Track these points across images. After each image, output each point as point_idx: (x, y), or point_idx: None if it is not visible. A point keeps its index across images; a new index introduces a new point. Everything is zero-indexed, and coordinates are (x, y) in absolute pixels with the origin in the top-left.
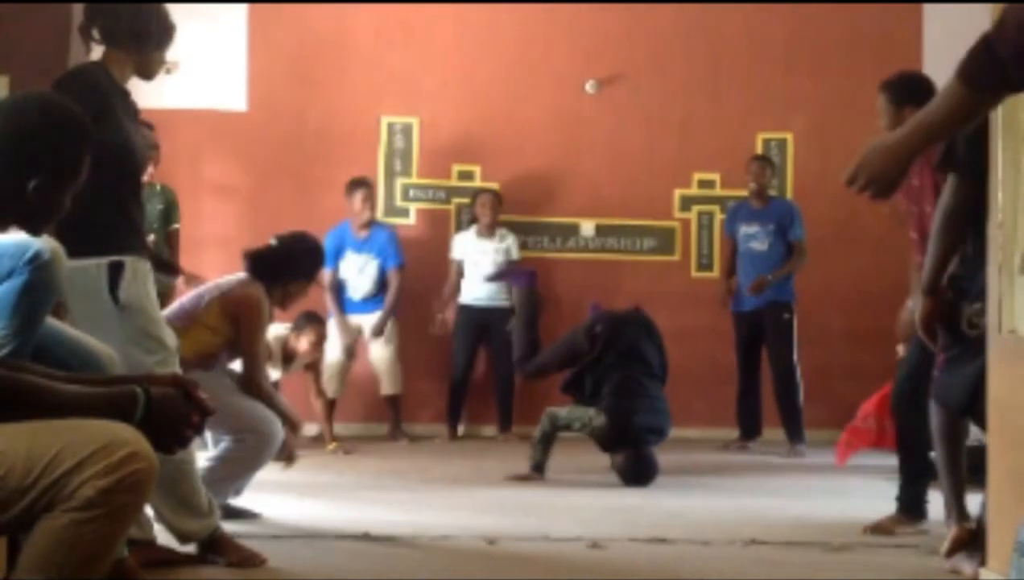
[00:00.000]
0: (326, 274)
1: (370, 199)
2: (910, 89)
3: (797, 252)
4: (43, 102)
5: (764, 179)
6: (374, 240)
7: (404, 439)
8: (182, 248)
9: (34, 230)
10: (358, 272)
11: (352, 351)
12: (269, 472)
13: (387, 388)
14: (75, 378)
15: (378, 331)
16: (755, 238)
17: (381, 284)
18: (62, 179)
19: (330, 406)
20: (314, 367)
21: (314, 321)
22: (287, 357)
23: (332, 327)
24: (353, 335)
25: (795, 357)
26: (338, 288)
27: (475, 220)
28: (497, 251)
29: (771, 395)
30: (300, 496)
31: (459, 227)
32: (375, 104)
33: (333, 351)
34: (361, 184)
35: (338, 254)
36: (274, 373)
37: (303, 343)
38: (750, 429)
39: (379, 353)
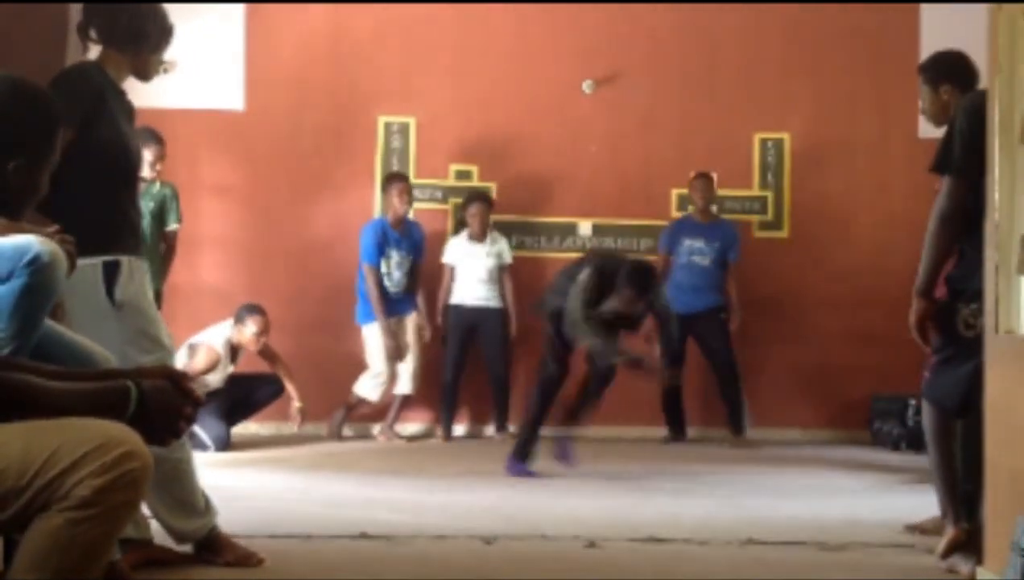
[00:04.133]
0: (371, 273)
1: (407, 192)
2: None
3: (735, 274)
4: (11, 84)
5: (711, 195)
6: (411, 235)
7: (396, 439)
8: (179, 247)
9: (15, 213)
10: (396, 267)
11: (397, 352)
12: (266, 471)
13: (407, 387)
14: (67, 373)
15: (421, 327)
16: (700, 253)
17: (412, 279)
18: (39, 158)
19: (355, 407)
20: (267, 352)
21: (254, 311)
22: (234, 350)
23: (374, 331)
24: (398, 338)
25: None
26: (382, 286)
27: (465, 225)
28: (489, 254)
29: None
30: (297, 495)
31: (457, 227)
32: (372, 104)
33: (378, 358)
34: (399, 178)
35: (380, 251)
36: (228, 367)
37: (247, 334)
38: (682, 424)
39: (412, 352)
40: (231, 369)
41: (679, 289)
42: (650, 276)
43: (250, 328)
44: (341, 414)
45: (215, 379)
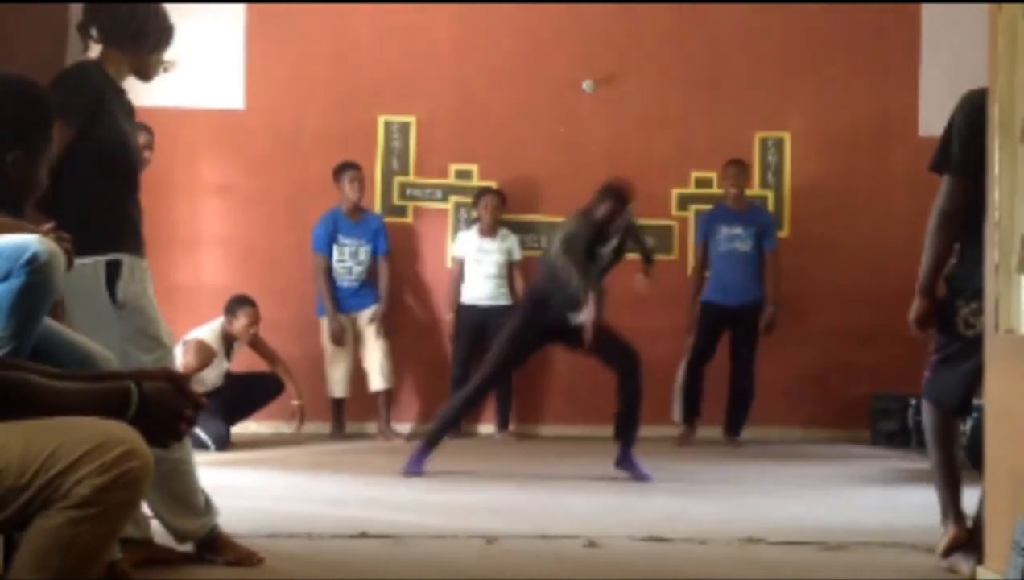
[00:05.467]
0: (320, 260)
1: (358, 180)
2: None
3: (777, 263)
4: (2, 78)
5: (743, 182)
6: (366, 225)
7: (396, 439)
8: (180, 247)
9: (17, 207)
10: (351, 256)
11: (341, 341)
12: (267, 471)
13: (379, 383)
14: (68, 375)
15: (375, 325)
16: (740, 239)
17: (370, 271)
18: (37, 150)
19: (339, 404)
20: (264, 350)
21: (244, 302)
22: (228, 344)
23: (324, 323)
24: (342, 327)
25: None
26: (330, 276)
27: (477, 219)
28: (499, 251)
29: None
30: (297, 495)
31: (457, 226)
32: (372, 103)
33: (335, 350)
34: (348, 167)
35: (331, 239)
36: (224, 363)
37: (238, 325)
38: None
39: (372, 347)
40: (227, 364)
41: (720, 281)
42: (626, 186)
43: (240, 320)
44: (333, 414)
45: (212, 376)
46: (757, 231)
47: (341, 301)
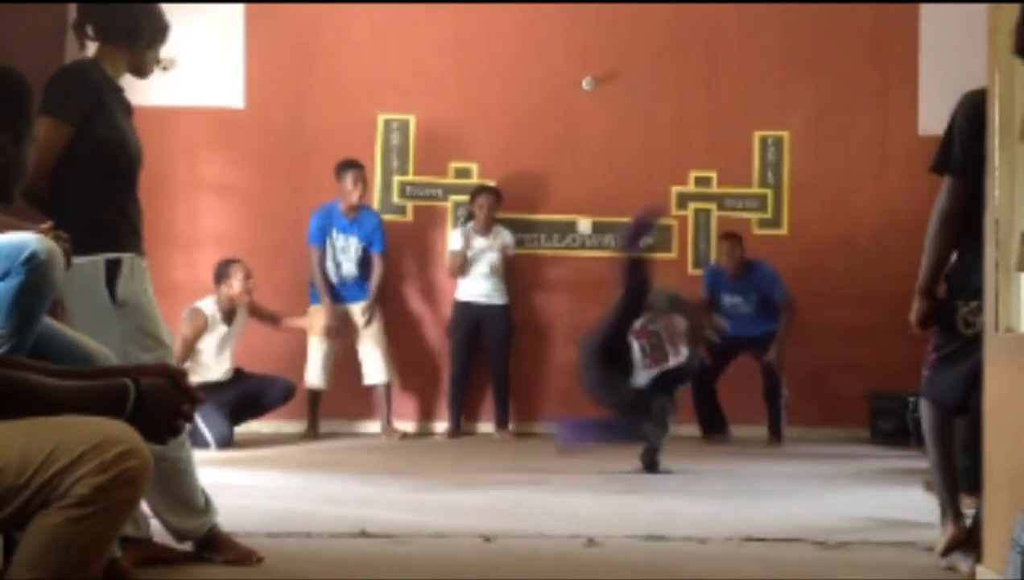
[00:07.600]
0: (314, 252)
1: (361, 180)
2: None
3: (789, 308)
4: None
5: (736, 256)
6: (362, 223)
7: (396, 435)
8: (180, 246)
9: (6, 193)
10: (341, 252)
11: (335, 333)
12: (266, 470)
13: (378, 377)
14: (66, 371)
15: (368, 320)
16: (741, 306)
17: (363, 268)
18: (20, 133)
19: (315, 398)
20: (264, 313)
21: (232, 262)
22: (229, 311)
23: (316, 312)
24: (338, 318)
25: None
26: (323, 268)
27: (471, 217)
28: (492, 249)
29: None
30: (296, 494)
31: (456, 225)
32: (372, 101)
33: (317, 340)
34: (351, 165)
35: (325, 233)
36: (223, 328)
37: (235, 286)
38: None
39: (368, 341)
40: (225, 329)
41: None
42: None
43: (235, 279)
44: (309, 410)
45: (212, 344)
46: (758, 295)
47: (334, 294)
